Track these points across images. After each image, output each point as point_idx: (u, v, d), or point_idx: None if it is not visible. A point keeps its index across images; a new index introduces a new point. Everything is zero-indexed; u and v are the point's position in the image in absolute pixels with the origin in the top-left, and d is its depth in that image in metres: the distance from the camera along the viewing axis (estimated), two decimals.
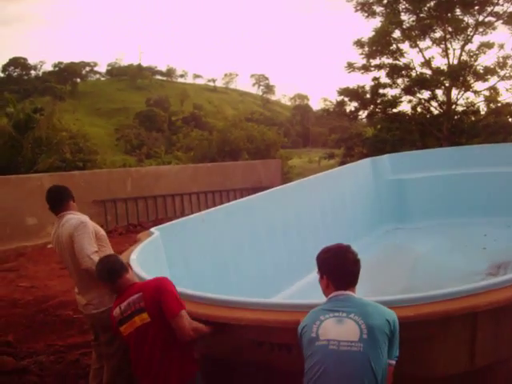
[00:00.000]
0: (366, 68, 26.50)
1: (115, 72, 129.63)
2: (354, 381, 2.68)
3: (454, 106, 26.09)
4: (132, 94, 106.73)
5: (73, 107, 78.10)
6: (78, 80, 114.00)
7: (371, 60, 26.35)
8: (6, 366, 5.55)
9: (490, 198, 10.86)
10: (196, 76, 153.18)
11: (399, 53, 25.94)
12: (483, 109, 27.29)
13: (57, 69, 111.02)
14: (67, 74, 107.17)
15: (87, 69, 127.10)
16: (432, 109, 27.00)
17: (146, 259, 4.40)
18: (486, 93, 26.09)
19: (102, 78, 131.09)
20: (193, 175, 18.07)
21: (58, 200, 4.70)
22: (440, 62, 27.92)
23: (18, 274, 10.47)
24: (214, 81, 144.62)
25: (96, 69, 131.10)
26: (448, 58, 25.63)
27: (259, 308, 3.49)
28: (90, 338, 6.46)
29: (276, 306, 3.59)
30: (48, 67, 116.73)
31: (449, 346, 3.29)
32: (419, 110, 27.38)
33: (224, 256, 6.56)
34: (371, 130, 30.95)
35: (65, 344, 6.46)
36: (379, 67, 26.28)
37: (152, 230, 5.79)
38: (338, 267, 3.03)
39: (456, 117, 26.28)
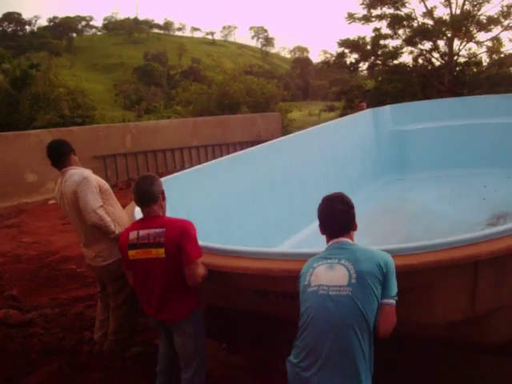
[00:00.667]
0: (366, 18, 26.15)
1: (112, 26, 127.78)
2: (343, 323, 2.73)
3: (455, 58, 25.82)
4: (129, 49, 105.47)
5: (69, 63, 77.04)
6: (74, 35, 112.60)
7: (372, 10, 26.00)
8: (12, 319, 5.60)
9: (491, 148, 10.75)
10: (194, 29, 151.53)
11: (400, 2, 25.50)
12: (485, 60, 27.06)
13: (52, 24, 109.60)
14: (63, 28, 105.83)
15: (83, 23, 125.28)
16: (433, 60, 26.75)
17: None
18: (489, 43, 25.82)
19: (99, 33, 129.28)
20: (192, 129, 17.93)
21: (59, 155, 4.61)
22: (442, 12, 27.64)
23: (20, 230, 10.49)
24: (212, 34, 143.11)
25: (92, 23, 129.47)
26: (450, 8, 25.24)
27: (264, 257, 3.51)
28: (93, 291, 6.57)
29: (281, 255, 3.60)
30: (43, 22, 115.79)
31: (450, 293, 3.32)
32: (420, 61, 27.13)
33: (226, 207, 6.56)
34: (372, 82, 30.69)
35: (68, 297, 6.50)
36: (380, 17, 25.93)
37: None
38: (327, 216, 3.09)
39: (458, 68, 26.03)
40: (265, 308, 3.94)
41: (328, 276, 2.85)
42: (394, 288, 2.89)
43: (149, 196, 3.65)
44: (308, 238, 7.04)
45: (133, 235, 3.61)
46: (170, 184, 5.78)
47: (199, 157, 17.68)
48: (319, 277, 2.87)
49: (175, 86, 55.52)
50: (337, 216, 3.06)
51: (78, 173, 4.48)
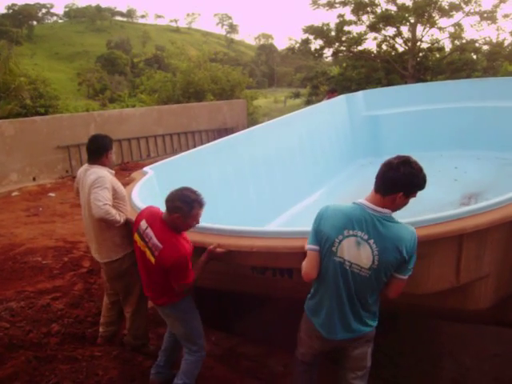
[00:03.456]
0: (330, 5, 26.19)
1: (73, 14, 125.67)
2: (358, 294, 3.15)
3: (418, 43, 26.08)
4: (92, 37, 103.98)
5: (30, 51, 75.63)
6: (35, 23, 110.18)
7: None
8: None
9: (460, 131, 11.08)
10: (158, 16, 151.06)
11: None
12: (448, 46, 27.35)
13: (11, 11, 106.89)
14: (22, 16, 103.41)
15: (43, 11, 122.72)
16: (397, 46, 27.01)
17: (146, 196, 4.97)
18: (451, 29, 26.09)
19: (60, 21, 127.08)
20: (157, 117, 17.74)
21: (93, 153, 4.69)
22: None
23: None
24: (176, 21, 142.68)
25: (53, 11, 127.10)
26: None
27: (267, 236, 3.72)
28: (59, 283, 6.56)
29: (282, 234, 3.80)
30: (1, 9, 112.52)
31: (438, 264, 3.60)
32: (384, 47, 27.35)
33: (212, 192, 6.72)
34: (336, 68, 30.83)
35: (35, 290, 6.40)
36: (344, 4, 26.00)
37: (145, 169, 6.14)
38: (381, 170, 3.14)
39: (421, 54, 26.29)
40: (260, 286, 4.23)
41: (354, 253, 3.06)
42: (411, 267, 3.13)
43: (181, 206, 3.71)
44: (290, 220, 7.23)
45: (143, 225, 3.87)
46: (161, 170, 6.23)
47: (165, 145, 17.57)
48: (346, 251, 3.08)
49: (139, 74, 55.00)
50: (390, 172, 3.09)
51: (96, 172, 4.53)
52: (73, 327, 5.28)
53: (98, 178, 4.44)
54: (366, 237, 3.02)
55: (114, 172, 4.76)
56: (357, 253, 3.04)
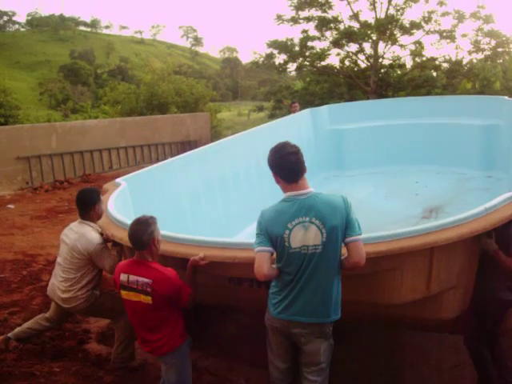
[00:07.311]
0: (294, 20, 26.47)
1: (36, 22, 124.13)
2: (326, 273, 3.25)
3: (380, 60, 26.56)
4: (54, 46, 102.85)
5: None
6: None
7: (300, 12, 26.31)
8: None
9: (421, 147, 11.36)
10: (122, 27, 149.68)
11: (328, 5, 25.99)
12: (409, 63, 27.91)
13: None
14: None
15: (5, 18, 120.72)
16: (359, 62, 27.44)
17: (120, 208, 5.00)
18: (412, 47, 26.64)
19: (22, 29, 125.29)
20: (120, 129, 17.61)
21: (81, 209, 4.77)
22: (368, 16, 28.21)
23: None
24: (140, 32, 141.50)
25: (15, 19, 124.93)
26: (375, 12, 25.93)
27: (248, 248, 3.66)
28: (17, 297, 6.45)
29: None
30: None
31: (410, 276, 3.72)
32: (347, 63, 27.74)
33: (182, 203, 6.89)
34: (300, 82, 31.12)
35: None
36: (308, 19, 26.30)
37: (117, 180, 6.12)
38: (281, 160, 3.36)
39: (383, 70, 26.77)
40: (234, 298, 4.29)
41: (305, 237, 3.21)
42: (356, 225, 3.28)
43: (138, 243, 3.74)
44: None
45: (124, 277, 3.80)
46: (134, 181, 6.21)
47: (127, 157, 17.44)
48: (297, 239, 3.23)
49: (103, 85, 54.66)
50: (289, 156, 3.34)
51: (92, 232, 4.67)
52: (31, 342, 5.18)
53: (98, 245, 4.57)
54: (307, 219, 3.22)
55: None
56: (306, 235, 3.21)
